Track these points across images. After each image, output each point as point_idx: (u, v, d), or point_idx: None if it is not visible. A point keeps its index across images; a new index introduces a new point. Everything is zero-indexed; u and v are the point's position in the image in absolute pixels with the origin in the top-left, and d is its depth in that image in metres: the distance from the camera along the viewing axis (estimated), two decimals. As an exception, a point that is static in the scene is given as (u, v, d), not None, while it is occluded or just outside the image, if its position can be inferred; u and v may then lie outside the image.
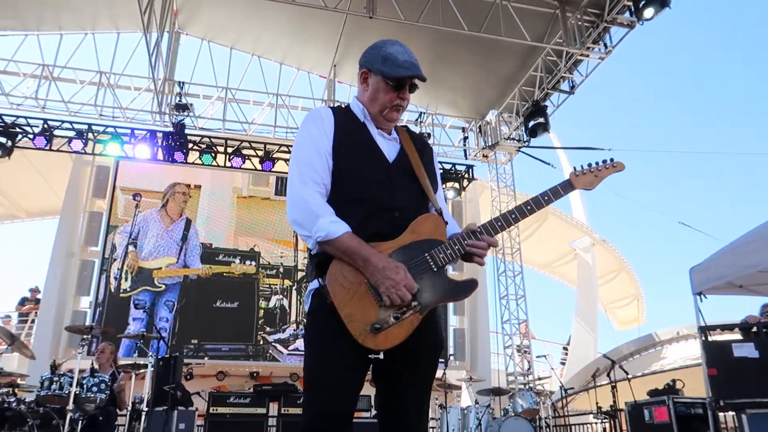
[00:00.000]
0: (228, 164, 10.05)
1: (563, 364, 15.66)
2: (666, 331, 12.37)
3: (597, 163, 2.01)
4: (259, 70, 11.44)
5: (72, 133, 9.47)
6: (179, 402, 6.07)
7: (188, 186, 10.48)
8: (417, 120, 11.47)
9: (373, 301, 1.68)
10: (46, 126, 9.37)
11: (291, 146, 10.30)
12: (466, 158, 11.78)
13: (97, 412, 5.14)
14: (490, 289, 11.19)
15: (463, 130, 12.02)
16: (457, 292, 1.81)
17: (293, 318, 10.19)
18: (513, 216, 1.89)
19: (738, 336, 6.38)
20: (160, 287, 9.74)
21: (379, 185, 1.83)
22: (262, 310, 10.10)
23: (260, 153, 10.17)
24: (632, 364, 11.09)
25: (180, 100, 10.00)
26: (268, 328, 10.00)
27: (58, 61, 10.36)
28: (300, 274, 10.41)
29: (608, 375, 7.20)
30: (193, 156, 9.96)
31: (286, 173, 10.09)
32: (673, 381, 6.64)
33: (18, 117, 9.41)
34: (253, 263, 10.30)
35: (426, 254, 1.76)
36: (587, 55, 9.03)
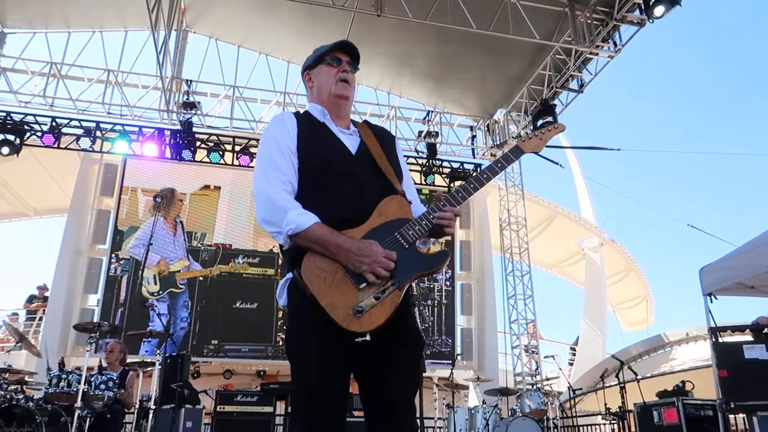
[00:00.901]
0: (235, 162, 10.05)
1: (571, 364, 15.58)
2: (675, 332, 12.27)
3: (539, 128, 2.17)
4: (267, 68, 11.43)
5: (80, 131, 9.51)
6: (187, 400, 6.07)
7: (208, 187, 10.59)
8: (425, 119, 11.44)
9: (352, 286, 1.71)
10: (54, 124, 9.41)
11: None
12: (474, 157, 11.74)
13: (105, 410, 5.15)
14: (498, 289, 11.17)
15: (471, 129, 11.97)
16: (430, 264, 1.86)
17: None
18: (472, 186, 1.96)
19: (749, 337, 6.32)
20: (181, 288, 9.82)
21: (344, 176, 1.88)
22: (281, 311, 10.11)
23: (268, 151, 10.15)
24: (641, 365, 11.01)
25: (188, 98, 10.03)
26: (286, 329, 9.98)
27: (66, 59, 10.38)
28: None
29: (617, 376, 7.14)
30: (201, 154, 9.96)
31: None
32: (683, 382, 6.57)
33: (26, 115, 9.45)
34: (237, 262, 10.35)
35: (396, 233, 1.81)
36: (596, 54, 8.96)
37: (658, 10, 7.66)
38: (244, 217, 10.61)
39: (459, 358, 10.36)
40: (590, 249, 16.27)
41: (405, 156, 2.66)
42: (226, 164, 10.13)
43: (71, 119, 9.62)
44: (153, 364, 5.65)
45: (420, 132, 11.37)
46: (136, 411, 5.54)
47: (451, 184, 10.98)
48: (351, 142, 1.99)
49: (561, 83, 9.74)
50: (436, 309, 10.80)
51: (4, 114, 9.26)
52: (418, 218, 1.86)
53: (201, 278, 10.01)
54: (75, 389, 4.83)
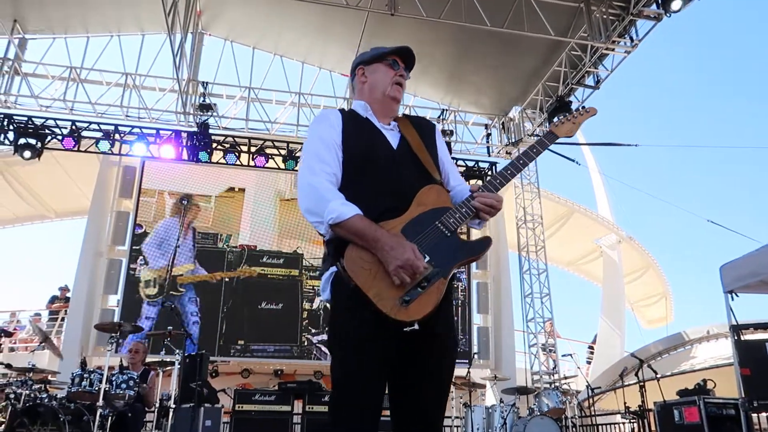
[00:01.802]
0: (251, 163, 10.13)
1: (589, 363, 15.45)
2: (696, 329, 12.10)
3: (572, 112, 2.18)
4: (282, 69, 11.49)
5: (99, 134, 9.64)
6: (206, 399, 6.14)
7: (232, 189, 10.78)
8: (439, 117, 11.41)
9: None
10: (74, 127, 9.55)
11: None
12: (489, 155, 11.68)
13: (126, 409, 5.23)
14: (515, 287, 11.12)
15: (486, 126, 11.92)
16: (473, 250, 1.89)
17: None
18: (509, 171, 1.97)
19: (772, 335, 6.21)
20: (182, 291, 9.99)
21: (385, 169, 1.92)
22: (306, 312, 10.29)
23: (283, 152, 10.22)
24: (661, 364, 10.87)
25: (204, 101, 10.12)
26: (312, 330, 10.18)
27: (85, 64, 10.54)
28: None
29: (636, 374, 7.07)
30: (217, 156, 10.06)
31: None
32: (704, 381, 6.48)
33: (47, 119, 9.60)
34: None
35: (437, 222, 1.83)
36: (612, 49, 8.86)
37: (676, 4, 7.55)
38: (268, 219, 10.76)
39: (476, 356, 10.33)
40: (608, 246, 16.10)
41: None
42: (242, 165, 10.22)
43: (90, 122, 9.76)
44: (172, 363, 5.72)
45: (435, 130, 11.34)
46: (156, 410, 5.61)
47: (467, 183, 10.94)
48: (392, 137, 2.03)
49: (577, 80, 9.65)
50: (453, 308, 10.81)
51: (26, 118, 9.43)
52: (457, 205, 1.88)
53: (227, 279, 10.19)
54: (96, 388, 4.91)
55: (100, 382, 4.89)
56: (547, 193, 14.19)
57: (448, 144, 11.17)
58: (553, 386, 9.55)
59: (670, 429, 6.25)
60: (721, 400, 6.06)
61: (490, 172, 11.14)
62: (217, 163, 10.14)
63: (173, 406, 5.65)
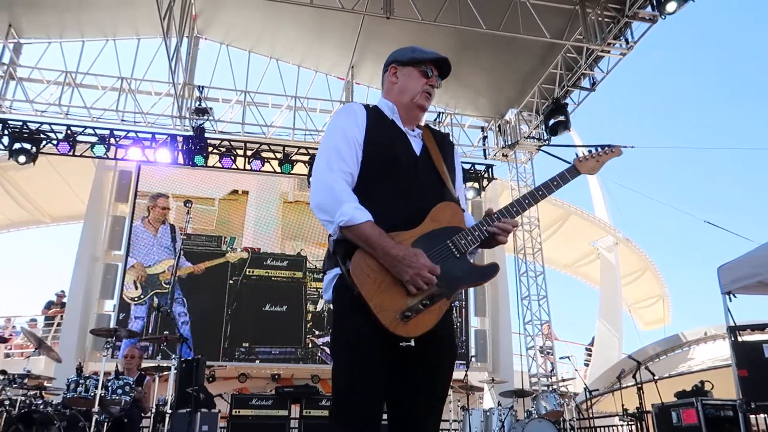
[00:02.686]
0: (247, 167, 10.11)
1: (587, 365, 15.44)
2: (693, 331, 12.10)
3: (597, 150, 2.15)
4: (278, 72, 11.50)
5: (94, 139, 9.62)
6: (202, 404, 6.10)
7: (236, 192, 10.80)
8: (436, 120, 11.41)
9: (401, 290, 1.70)
10: (69, 132, 9.53)
11: (310, 148, 10.45)
12: (486, 158, 11.69)
13: (121, 414, 5.19)
14: (512, 289, 11.10)
15: (483, 129, 11.94)
16: (481, 276, 1.90)
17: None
18: (527, 201, 1.97)
19: (769, 336, 6.21)
20: (167, 288, 9.93)
21: (405, 175, 1.89)
22: (310, 314, 10.31)
23: (279, 155, 10.22)
24: (658, 365, 10.87)
25: (200, 104, 10.10)
26: (316, 332, 10.18)
27: (81, 68, 10.53)
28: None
29: (634, 376, 7.06)
30: (213, 159, 10.04)
31: (305, 175, 10.14)
32: (702, 382, 6.48)
33: (42, 123, 9.57)
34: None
35: (448, 241, 1.81)
36: (608, 51, 8.89)
37: (671, 6, 7.58)
38: (272, 221, 10.76)
39: (473, 359, 10.31)
40: (605, 248, 16.10)
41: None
42: (238, 169, 10.21)
43: (86, 127, 9.74)
44: (168, 368, 5.68)
45: (431, 133, 11.35)
46: (152, 415, 5.57)
47: (463, 185, 10.95)
48: (415, 143, 2.01)
49: (573, 82, 9.68)
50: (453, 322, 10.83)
51: (21, 123, 9.40)
52: (470, 228, 1.86)
53: (231, 282, 10.20)
54: (92, 394, 4.88)
55: (96, 387, 4.86)
56: (544, 196, 14.17)
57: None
58: (550, 389, 9.53)
59: (668, 431, 6.24)
60: (719, 402, 6.06)
61: (486, 175, 11.14)
62: (213, 167, 10.12)
63: (169, 411, 5.61)
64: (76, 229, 11.35)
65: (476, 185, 11.01)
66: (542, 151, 11.30)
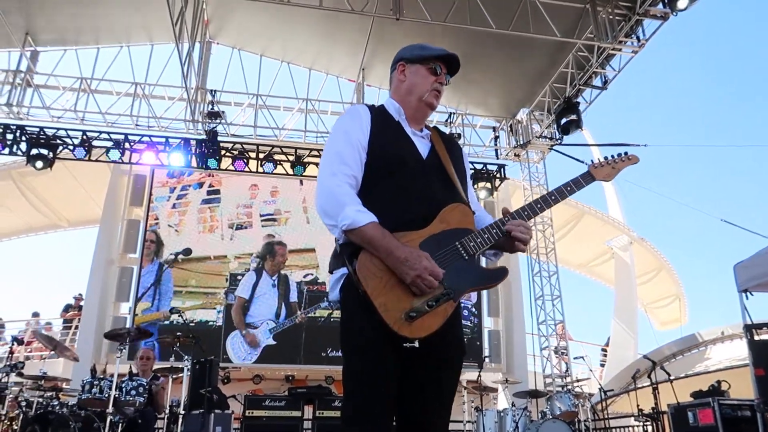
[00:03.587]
0: (260, 170, 10.18)
1: (602, 365, 15.29)
2: (710, 331, 11.95)
3: (614, 156, 2.12)
4: (289, 75, 11.57)
5: (109, 144, 9.75)
6: (216, 405, 6.15)
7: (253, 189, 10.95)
8: (447, 120, 11.40)
9: (407, 290, 1.69)
10: (85, 137, 9.67)
11: (322, 150, 10.44)
12: (498, 158, 11.65)
13: (136, 415, 5.25)
14: (525, 289, 11.03)
15: (494, 129, 11.90)
16: (489, 279, 1.87)
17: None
18: (539, 205, 1.95)
19: (787, 335, 6.12)
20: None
21: (412, 178, 1.87)
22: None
23: (291, 158, 10.27)
24: (674, 366, 10.75)
25: (212, 108, 10.19)
26: (341, 326, 10.32)
27: (96, 74, 10.68)
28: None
29: (649, 376, 6.98)
30: (225, 162, 10.13)
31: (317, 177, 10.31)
32: (718, 382, 6.38)
33: (58, 129, 9.73)
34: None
35: (456, 243, 1.79)
36: (620, 49, 8.81)
37: (682, 3, 7.51)
38: (287, 224, 10.93)
39: (487, 360, 10.26)
40: (619, 248, 15.95)
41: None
42: (251, 172, 10.28)
43: (101, 132, 9.88)
44: (182, 369, 5.74)
45: (442, 134, 11.35)
46: (166, 416, 5.63)
47: (475, 186, 10.92)
48: (422, 145, 1.99)
49: (584, 81, 9.61)
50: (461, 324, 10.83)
51: (38, 129, 9.56)
52: (480, 230, 1.84)
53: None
54: (107, 395, 4.94)
55: (110, 389, 4.91)
56: (557, 195, 14.08)
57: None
58: (565, 389, 9.44)
59: (684, 431, 6.16)
60: (736, 402, 5.96)
61: (498, 175, 11.10)
62: (226, 170, 10.21)
63: (183, 412, 5.66)
64: (92, 233, 11.51)
65: (488, 185, 10.97)
66: (554, 150, 11.24)
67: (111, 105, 10.54)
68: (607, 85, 9.55)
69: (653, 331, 18.66)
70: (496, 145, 11.75)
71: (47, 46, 10.62)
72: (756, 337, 5.78)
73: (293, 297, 10.36)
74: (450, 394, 1.87)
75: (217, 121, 10.19)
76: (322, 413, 7.13)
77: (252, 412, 6.90)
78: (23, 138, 9.46)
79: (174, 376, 5.85)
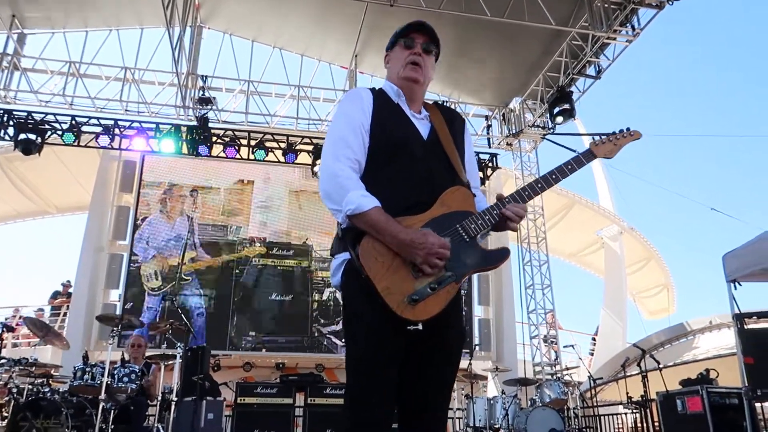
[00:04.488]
0: (251, 157, 10.11)
1: (591, 354, 15.46)
2: (698, 320, 12.11)
3: (615, 133, 2.09)
4: (281, 62, 11.46)
5: (99, 129, 9.62)
6: (208, 392, 6.14)
7: (242, 181, 10.80)
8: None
9: (409, 273, 1.69)
10: (73, 122, 9.53)
11: (314, 138, 10.42)
12: (490, 147, 11.64)
13: (128, 402, 5.23)
14: (516, 278, 11.08)
15: (487, 118, 11.88)
16: (490, 260, 1.85)
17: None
18: (539, 185, 1.94)
19: (775, 324, 6.18)
20: (188, 279, 9.98)
21: (413, 161, 1.86)
22: (316, 303, 10.35)
23: (283, 145, 10.19)
24: (663, 354, 10.88)
25: (203, 94, 10.08)
26: (322, 320, 10.23)
27: (84, 58, 10.52)
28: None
29: (638, 365, 7.06)
30: (217, 149, 10.03)
31: (309, 165, 10.14)
32: (707, 370, 6.46)
33: (46, 114, 9.57)
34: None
35: (457, 225, 1.79)
36: (614, 38, 8.80)
37: (677, -8, 7.49)
38: (278, 210, 10.80)
39: (477, 348, 10.33)
40: (609, 237, 16.08)
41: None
42: (242, 159, 10.20)
43: (90, 117, 9.73)
44: (174, 357, 5.71)
45: (435, 122, 11.31)
46: (158, 403, 5.62)
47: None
48: (422, 126, 1.97)
49: (578, 70, 9.60)
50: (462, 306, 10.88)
51: (26, 114, 9.39)
52: (481, 212, 1.84)
53: (237, 271, 10.22)
54: (99, 382, 4.91)
55: (102, 375, 4.89)
56: (549, 185, 14.13)
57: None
58: (554, 377, 9.55)
59: (672, 419, 6.23)
60: (724, 390, 6.03)
61: (490, 164, 11.10)
62: (217, 157, 10.12)
63: (175, 399, 5.65)
64: (81, 219, 11.40)
65: (480, 174, 10.96)
66: (547, 139, 11.25)
67: (100, 90, 10.41)
68: (600, 75, 9.53)
69: (642, 321, 18.89)
70: (488, 134, 11.74)
71: (34, 29, 10.43)
72: (746, 327, 5.84)
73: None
74: (450, 380, 1.87)
75: (208, 107, 10.09)
76: (314, 400, 7.15)
77: (244, 399, 6.90)
78: (11, 123, 9.29)
79: (166, 363, 5.84)
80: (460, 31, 9.44)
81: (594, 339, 15.88)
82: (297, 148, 10.18)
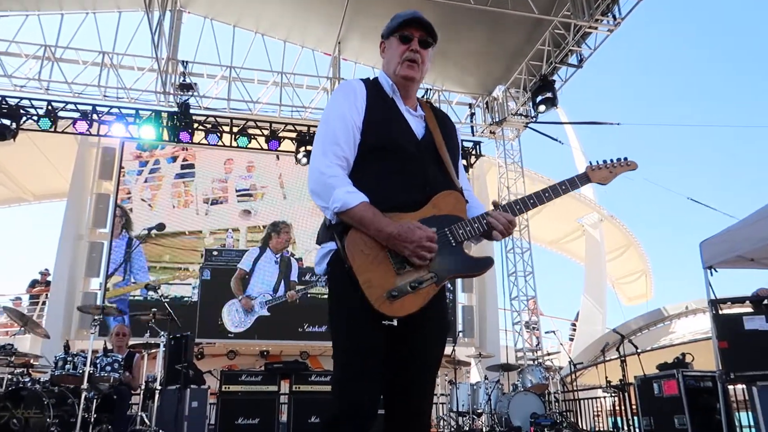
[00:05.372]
0: (234, 144, 10.01)
1: (572, 339, 15.71)
2: (675, 306, 12.36)
3: (612, 160, 2.12)
4: (263, 47, 11.33)
5: (76, 115, 9.44)
6: (192, 381, 6.12)
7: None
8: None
9: (392, 269, 1.70)
10: (50, 107, 9.33)
11: (297, 125, 10.34)
12: (473, 135, 11.68)
13: (111, 391, 5.19)
14: (498, 266, 11.19)
15: (470, 106, 11.90)
16: (474, 267, 1.86)
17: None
18: (531, 201, 1.95)
19: (749, 309, 6.34)
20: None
21: (406, 160, 1.84)
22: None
23: (266, 132, 10.10)
24: (641, 339, 11.11)
25: (184, 80, 9.92)
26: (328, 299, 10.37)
27: (60, 42, 10.28)
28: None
29: (617, 349, 7.19)
30: (198, 136, 9.91)
31: (292, 152, 10.09)
32: (683, 355, 6.62)
33: (21, 99, 9.36)
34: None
35: (446, 229, 1.79)
36: (596, 28, 8.86)
37: (659, -18, 7.54)
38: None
39: (460, 335, 10.44)
40: (590, 225, 16.29)
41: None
42: (224, 146, 10.10)
43: (67, 102, 9.54)
44: (158, 345, 5.67)
45: (418, 110, 11.30)
46: (142, 392, 5.59)
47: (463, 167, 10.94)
48: (417, 124, 1.94)
49: (560, 58, 9.65)
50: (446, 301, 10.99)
51: (0, 98, 9.18)
52: (471, 219, 1.84)
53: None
54: (81, 371, 4.86)
55: (84, 365, 4.84)
56: (531, 173, 14.22)
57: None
58: (536, 363, 9.70)
59: (650, 401, 6.39)
60: (699, 373, 6.20)
61: (473, 152, 11.14)
62: (198, 143, 9.99)
63: (159, 387, 5.63)
64: (59, 206, 11.20)
65: (463, 162, 10.94)
66: (529, 128, 11.32)
67: (77, 75, 10.20)
68: (582, 63, 9.61)
69: (621, 306, 19.22)
70: (471, 122, 11.77)
71: (7, 11, 10.15)
72: (720, 312, 5.98)
73: (293, 276, 10.41)
74: (430, 374, 1.89)
75: (189, 93, 9.93)
76: (299, 388, 7.16)
77: (228, 387, 6.89)
78: (-16, 108, 9.08)
79: (149, 352, 5.80)
80: (444, 19, 9.39)
81: (574, 325, 16.13)
82: (280, 135, 10.10)
